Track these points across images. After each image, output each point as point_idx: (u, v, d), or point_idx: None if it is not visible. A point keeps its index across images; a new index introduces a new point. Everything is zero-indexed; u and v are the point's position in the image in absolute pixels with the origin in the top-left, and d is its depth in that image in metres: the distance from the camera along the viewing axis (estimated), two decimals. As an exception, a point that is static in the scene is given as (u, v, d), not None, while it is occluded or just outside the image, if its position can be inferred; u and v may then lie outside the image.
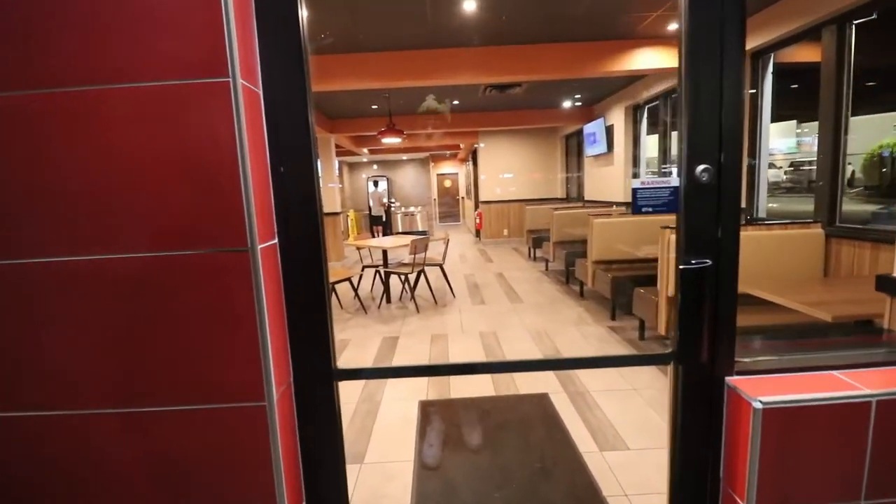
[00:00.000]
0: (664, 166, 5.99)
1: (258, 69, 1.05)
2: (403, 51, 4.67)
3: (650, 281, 4.34)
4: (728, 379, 1.14)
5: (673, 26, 4.35)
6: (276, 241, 1.09)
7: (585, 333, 4.26)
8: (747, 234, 3.39)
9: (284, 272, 1.11)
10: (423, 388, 3.29)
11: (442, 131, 9.40)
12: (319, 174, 1.23)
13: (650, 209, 1.08)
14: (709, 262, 1.08)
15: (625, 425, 2.63)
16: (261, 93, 1.06)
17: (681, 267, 1.08)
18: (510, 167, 10.52)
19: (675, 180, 1.10)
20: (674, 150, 5.98)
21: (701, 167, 1.07)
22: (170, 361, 0.99)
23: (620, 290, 4.49)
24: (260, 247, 0.99)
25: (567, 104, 8.15)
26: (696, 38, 1.06)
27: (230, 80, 0.93)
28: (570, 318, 4.78)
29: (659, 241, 3.53)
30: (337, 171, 12.05)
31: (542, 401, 3.03)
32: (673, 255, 3.43)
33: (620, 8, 3.88)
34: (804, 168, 5.04)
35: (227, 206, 0.95)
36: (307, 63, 1.11)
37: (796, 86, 4.58)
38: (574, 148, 9.78)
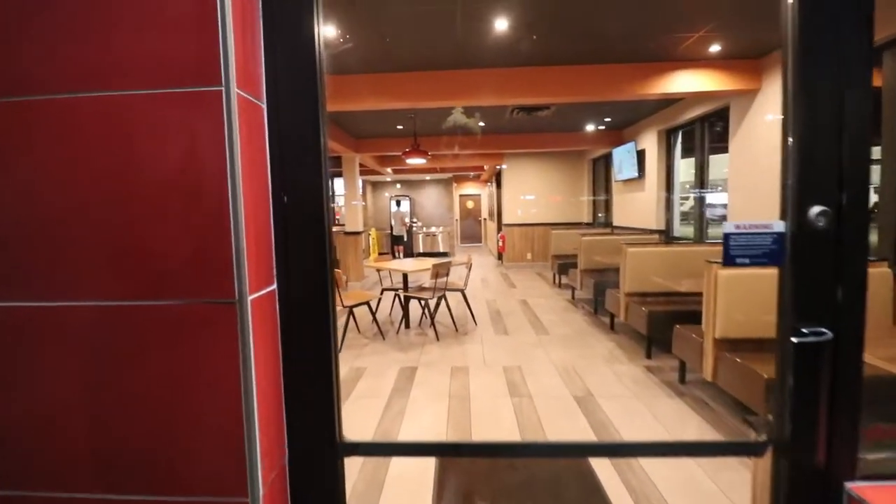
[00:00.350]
0: (701, 189, 5.67)
1: (262, 80, 0.87)
2: (431, 71, 4.55)
3: (691, 317, 4.00)
4: (849, 486, 0.87)
5: (715, 48, 4.12)
6: (273, 286, 0.88)
7: (618, 373, 3.93)
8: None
9: (283, 324, 0.90)
10: (443, 428, 3.03)
11: (467, 152, 9.28)
12: (332, 203, 1.02)
13: (746, 260, 0.84)
14: (827, 333, 0.83)
15: (673, 492, 2.31)
16: (264, 107, 0.87)
17: (793, 340, 0.83)
18: (535, 189, 10.30)
19: (778, 225, 0.86)
20: (712, 175, 5.67)
21: (816, 210, 0.82)
22: (129, 438, 0.78)
23: (657, 327, 4.17)
24: (252, 297, 0.79)
25: (596, 127, 7.93)
26: (808, 50, 0.83)
27: (222, 88, 0.74)
28: (600, 353, 4.46)
29: (704, 276, 3.23)
30: (360, 190, 12.07)
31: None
32: (719, 291, 3.13)
33: (659, 28, 3.67)
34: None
35: (210, 246, 0.75)
36: (322, 78, 0.92)
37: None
38: (602, 172, 9.51)
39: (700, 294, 3.73)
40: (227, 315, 0.76)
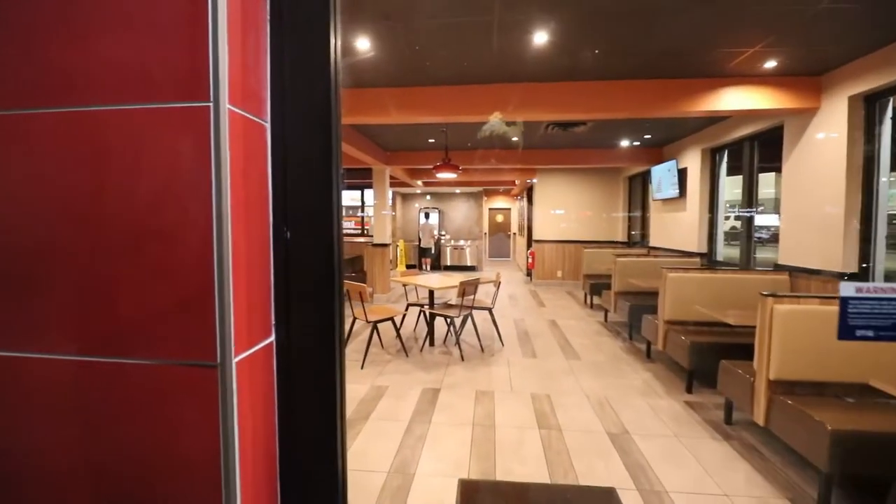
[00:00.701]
0: (749, 209, 5.33)
1: (265, 95, 0.73)
2: (464, 85, 4.43)
3: (739, 352, 3.70)
4: None
5: (771, 63, 3.83)
6: (271, 338, 0.74)
7: (656, 408, 3.65)
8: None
9: (282, 383, 0.76)
10: (465, 460, 2.84)
11: (499, 167, 9.13)
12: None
13: (870, 333, 0.64)
14: None
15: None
16: (268, 126, 0.74)
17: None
18: (567, 206, 10.04)
19: (914, 288, 0.65)
20: (761, 194, 5.33)
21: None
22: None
23: (700, 359, 3.87)
24: (239, 358, 0.64)
25: (634, 144, 7.64)
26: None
27: (210, 104, 0.61)
28: (635, 385, 4.17)
29: (758, 310, 2.94)
30: (390, 201, 12.07)
31: (608, 499, 2.48)
32: (775, 327, 2.83)
33: (711, 43, 3.43)
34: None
35: (187, 295, 0.61)
36: (337, 94, 0.78)
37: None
38: (638, 190, 9.19)
39: (749, 327, 3.44)
40: (205, 381, 0.62)
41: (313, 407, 0.77)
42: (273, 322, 0.75)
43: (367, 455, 2.89)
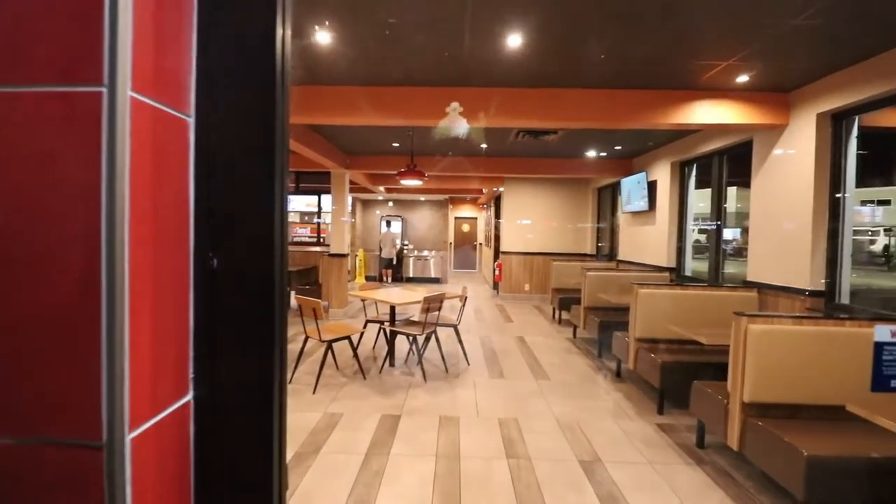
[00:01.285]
0: (718, 222, 5.50)
1: (189, 83, 0.60)
2: (434, 87, 4.35)
3: (711, 371, 3.75)
4: None
5: (742, 78, 3.96)
6: (188, 397, 0.60)
7: (628, 431, 3.63)
8: (831, 331, 2.81)
9: (201, 458, 0.61)
10: (427, 498, 2.69)
11: (466, 174, 9.11)
12: (286, 258, 0.75)
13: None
14: None
15: None
16: (191, 123, 0.60)
17: None
18: (535, 217, 10.13)
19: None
20: (730, 207, 5.50)
21: None
22: None
23: (671, 379, 3.90)
24: (135, 433, 0.50)
25: (603, 155, 7.79)
26: None
27: (104, 89, 0.47)
28: (606, 406, 4.16)
29: (732, 329, 2.96)
30: (349, 208, 11.81)
31: (582, 537, 2.40)
32: (749, 348, 2.85)
33: (686, 53, 3.50)
34: None
35: (63, 349, 0.47)
36: (285, 87, 0.66)
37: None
38: (608, 201, 9.39)
39: (721, 346, 3.48)
40: (84, 468, 0.47)
41: (245, 483, 0.62)
42: (191, 376, 0.60)
43: (314, 498, 2.69)
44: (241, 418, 0.63)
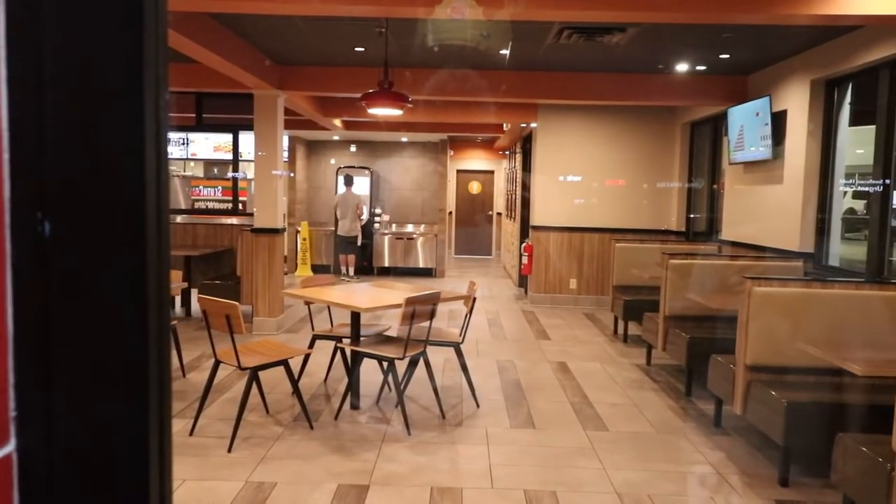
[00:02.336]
0: (884, 180, 5.50)
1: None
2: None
3: (869, 420, 3.79)
4: None
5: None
6: (9, 448, 0.62)
7: (734, 515, 3.70)
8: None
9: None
10: None
11: (477, 99, 9.10)
12: (167, 218, 0.75)
13: None
14: None
15: None
16: None
17: None
18: (587, 170, 10.17)
19: None
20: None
21: None
22: None
23: (803, 430, 3.98)
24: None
25: (702, 69, 7.77)
26: None
27: None
28: (698, 473, 4.28)
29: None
30: (286, 153, 11.81)
31: None
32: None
33: None
34: None
35: None
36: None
37: None
38: (705, 146, 9.42)
39: (885, 378, 3.52)
40: None
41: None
42: (13, 415, 0.62)
43: None
44: (96, 483, 0.65)
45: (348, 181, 12.83)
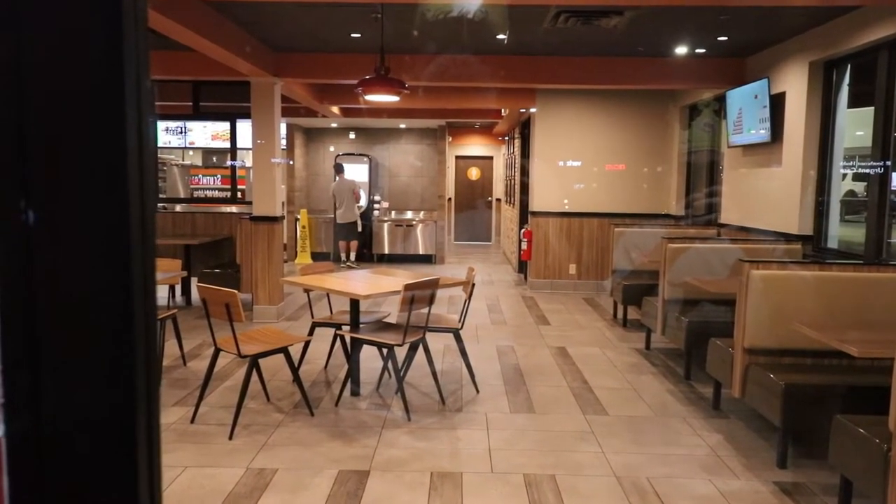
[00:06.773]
0: (884, 162, 5.48)
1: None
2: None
3: (866, 401, 3.80)
4: None
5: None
6: (-5, 433, 0.63)
7: (732, 496, 3.75)
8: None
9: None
10: None
11: (475, 84, 9.07)
12: (155, 203, 0.76)
13: None
14: None
15: None
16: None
17: None
18: (586, 155, 10.17)
19: None
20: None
21: None
22: None
23: (801, 413, 4.01)
24: None
25: (701, 52, 7.77)
26: None
27: None
28: (697, 456, 4.30)
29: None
30: (284, 142, 11.78)
31: None
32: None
33: None
34: None
35: None
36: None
37: None
38: (704, 129, 9.37)
39: (882, 359, 3.52)
40: None
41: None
42: (0, 402, 0.63)
43: None
44: (85, 468, 0.65)
45: (339, 169, 12.82)
